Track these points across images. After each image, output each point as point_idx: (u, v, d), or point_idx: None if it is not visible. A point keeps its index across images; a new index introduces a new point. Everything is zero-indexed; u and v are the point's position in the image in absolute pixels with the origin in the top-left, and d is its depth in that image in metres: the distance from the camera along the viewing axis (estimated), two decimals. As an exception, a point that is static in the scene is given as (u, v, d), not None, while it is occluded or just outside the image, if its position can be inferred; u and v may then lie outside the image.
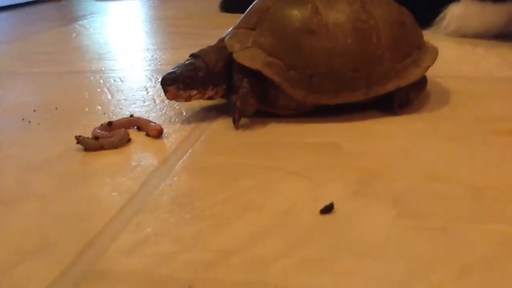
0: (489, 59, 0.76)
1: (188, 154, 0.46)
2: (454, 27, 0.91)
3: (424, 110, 0.54)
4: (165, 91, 0.51)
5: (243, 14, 0.55)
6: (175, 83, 0.51)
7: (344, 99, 0.51)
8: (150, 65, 0.80)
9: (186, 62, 0.53)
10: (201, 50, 0.54)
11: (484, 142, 0.46)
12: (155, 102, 0.61)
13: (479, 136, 0.47)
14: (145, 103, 0.60)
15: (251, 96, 0.50)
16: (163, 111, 0.57)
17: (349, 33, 0.50)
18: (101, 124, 0.50)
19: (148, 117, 0.54)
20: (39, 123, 0.55)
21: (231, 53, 0.51)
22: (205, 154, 0.46)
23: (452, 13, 0.90)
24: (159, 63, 0.80)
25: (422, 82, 0.55)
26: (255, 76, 0.50)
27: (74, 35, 1.13)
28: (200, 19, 1.27)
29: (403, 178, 0.40)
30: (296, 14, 0.50)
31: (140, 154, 0.46)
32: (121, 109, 0.58)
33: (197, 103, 0.57)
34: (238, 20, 0.55)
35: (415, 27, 0.57)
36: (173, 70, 0.52)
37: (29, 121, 0.56)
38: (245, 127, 0.51)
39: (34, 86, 0.71)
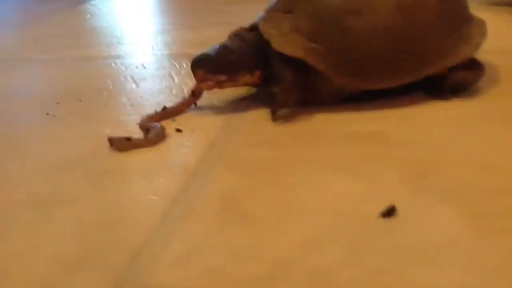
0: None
1: (226, 148, 0.44)
2: None
3: (473, 91, 0.51)
4: (194, 74, 0.49)
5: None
6: (203, 67, 0.48)
7: (392, 83, 0.48)
8: (171, 48, 0.77)
9: (219, 45, 0.49)
10: (241, 29, 0.51)
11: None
12: (183, 91, 0.58)
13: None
14: (173, 92, 0.58)
15: (294, 89, 0.47)
16: (193, 101, 0.54)
17: (395, 11, 0.46)
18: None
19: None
20: (64, 117, 0.53)
21: (267, 40, 0.48)
22: (243, 148, 0.44)
23: None
24: (180, 46, 0.77)
25: (478, 67, 0.50)
26: (295, 64, 0.47)
27: (88, 16, 1.10)
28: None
29: (459, 171, 0.38)
30: None
31: (176, 150, 0.44)
32: (148, 100, 0.56)
33: (229, 93, 0.54)
34: (269, 2, 0.52)
35: (462, -2, 0.53)
36: (203, 52, 0.49)
37: (54, 115, 0.54)
38: (283, 116, 0.48)
39: (53, 74, 0.68)
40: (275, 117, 0.47)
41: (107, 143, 0.45)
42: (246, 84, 0.50)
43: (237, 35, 0.50)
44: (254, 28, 0.51)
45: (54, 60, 0.76)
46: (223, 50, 0.48)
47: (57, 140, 0.48)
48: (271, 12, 0.50)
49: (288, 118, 0.48)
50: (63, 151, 0.46)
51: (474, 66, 0.50)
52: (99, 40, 0.85)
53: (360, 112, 0.48)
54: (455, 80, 0.49)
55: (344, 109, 0.49)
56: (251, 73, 0.49)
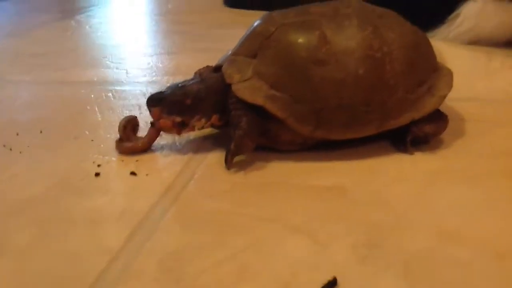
0: (505, 74, 0.72)
1: (179, 198, 0.42)
2: (468, 26, 0.85)
3: (438, 144, 0.50)
4: (150, 112, 0.48)
5: (241, 39, 0.50)
6: (158, 105, 0.47)
7: (355, 134, 0.46)
8: (145, 75, 0.75)
9: (180, 85, 0.48)
10: (206, 68, 0.52)
11: (505, 188, 0.42)
12: (147, 125, 0.56)
13: (498, 179, 0.43)
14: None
15: (248, 137, 0.45)
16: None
17: (361, 63, 0.45)
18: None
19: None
20: (21, 152, 0.51)
21: (229, 84, 0.46)
22: (198, 199, 0.42)
23: (467, 11, 0.85)
24: (154, 73, 0.76)
25: (441, 118, 0.49)
26: (255, 109, 0.46)
27: (70, 32, 1.08)
28: (202, 15, 1.22)
29: (415, 237, 0.36)
30: (302, 42, 0.46)
31: (126, 198, 0.42)
32: (109, 135, 0.54)
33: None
34: (236, 45, 0.50)
35: (430, 48, 0.52)
36: (162, 91, 0.48)
37: (11, 149, 0.52)
38: (242, 165, 0.47)
39: (21, 99, 0.67)
40: (228, 165, 0.46)
41: (60, 182, 0.44)
42: (203, 128, 0.49)
43: (200, 76, 0.49)
44: (219, 68, 0.50)
45: (26, 82, 0.74)
46: (181, 92, 0.47)
47: (9, 178, 0.46)
48: (235, 55, 0.49)
49: (246, 166, 0.46)
50: (14, 191, 0.44)
51: (436, 118, 0.49)
52: (75, 62, 0.84)
53: (322, 163, 0.47)
54: (417, 133, 0.48)
55: (305, 158, 0.47)
56: (207, 117, 0.48)
